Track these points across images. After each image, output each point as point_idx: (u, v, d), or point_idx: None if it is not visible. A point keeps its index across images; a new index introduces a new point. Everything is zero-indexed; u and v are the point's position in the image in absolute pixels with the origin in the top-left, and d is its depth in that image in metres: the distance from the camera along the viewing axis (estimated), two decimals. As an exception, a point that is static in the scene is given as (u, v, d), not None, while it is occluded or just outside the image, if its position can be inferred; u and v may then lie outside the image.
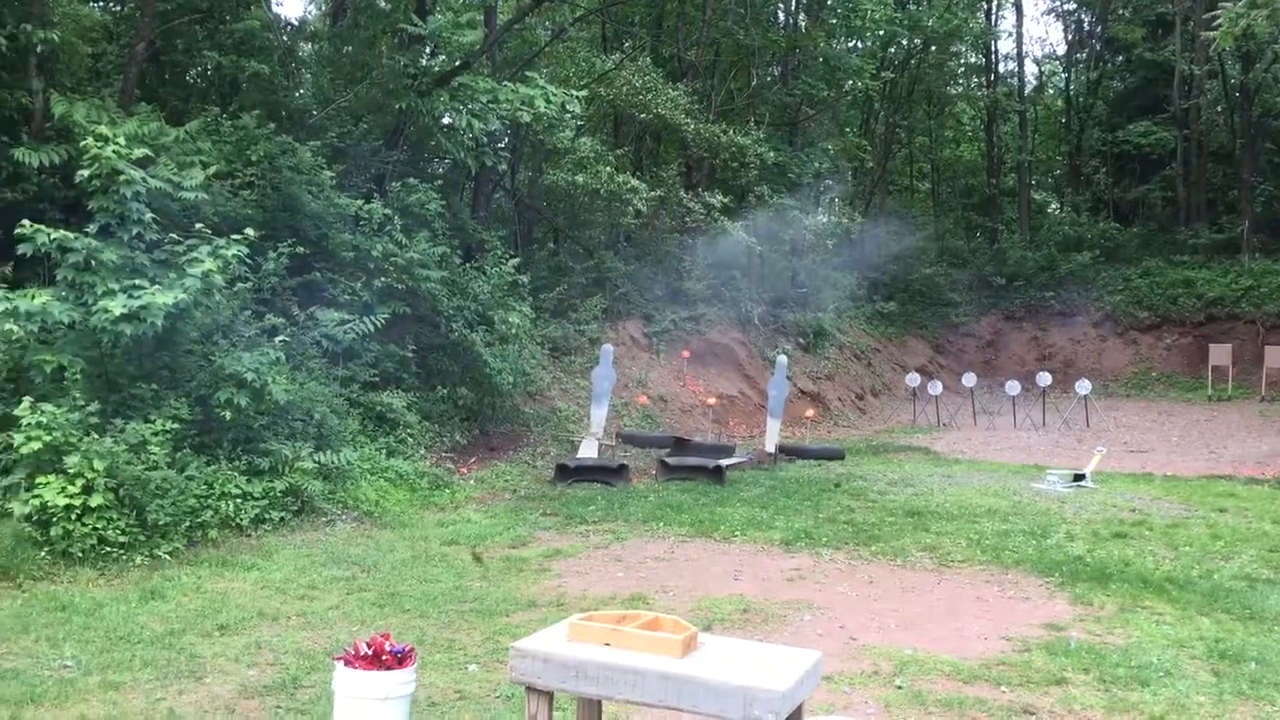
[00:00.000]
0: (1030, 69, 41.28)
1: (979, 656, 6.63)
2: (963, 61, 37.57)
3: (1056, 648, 6.79)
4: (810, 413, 21.30)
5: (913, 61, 33.08)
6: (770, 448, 16.21)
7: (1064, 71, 39.59)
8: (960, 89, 38.06)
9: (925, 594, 8.35)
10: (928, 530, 10.66)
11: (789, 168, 25.32)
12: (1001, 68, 39.76)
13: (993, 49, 37.80)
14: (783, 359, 17.80)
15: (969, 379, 24.20)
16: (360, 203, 14.00)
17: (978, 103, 37.61)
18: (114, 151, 9.91)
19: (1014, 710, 5.67)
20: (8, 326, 9.22)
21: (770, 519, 11.26)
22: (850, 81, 27.66)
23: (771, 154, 23.22)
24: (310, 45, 18.71)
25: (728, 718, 3.79)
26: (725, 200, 21.43)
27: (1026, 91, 38.75)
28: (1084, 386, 22.38)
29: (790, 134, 27.47)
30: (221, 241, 10.29)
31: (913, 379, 24.22)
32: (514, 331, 15.42)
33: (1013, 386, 23.22)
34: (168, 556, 8.69)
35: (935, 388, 23.30)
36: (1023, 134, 37.26)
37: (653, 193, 20.08)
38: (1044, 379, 23.27)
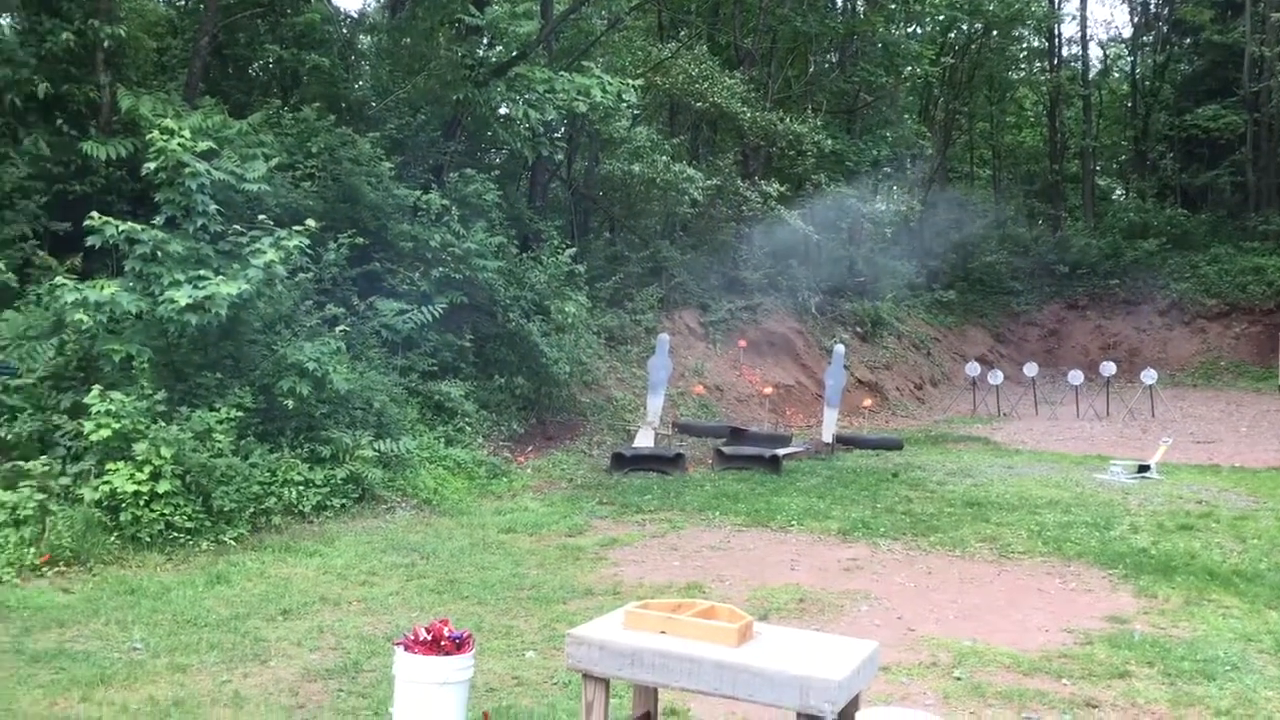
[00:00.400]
0: (1095, 52, 40.63)
1: (1040, 649, 6.55)
2: (1025, 46, 37.00)
3: (1120, 641, 6.69)
4: (868, 402, 21.15)
5: (973, 46, 32.63)
6: (827, 437, 16.12)
7: (1130, 55, 38.83)
8: (1022, 74, 37.49)
9: (985, 585, 8.26)
10: (987, 521, 10.54)
11: (847, 155, 25.12)
12: (1065, 51, 39.16)
13: (1056, 32, 37.19)
14: (840, 348, 17.69)
15: (1030, 368, 23.87)
16: (418, 193, 14.12)
17: (1040, 87, 37.03)
18: (179, 144, 10.09)
19: (1076, 703, 5.60)
20: (78, 316, 9.43)
21: (827, 509, 11.20)
22: (909, 67, 27.39)
23: (829, 142, 23.04)
24: (369, 37, 18.89)
25: (784, 707, 3.79)
26: (782, 189, 21.30)
27: (1091, 75, 38.08)
28: (1149, 376, 21.97)
29: (848, 121, 27.25)
30: (283, 232, 10.44)
31: (973, 368, 23.94)
32: (570, 321, 15.47)
33: (1075, 376, 22.85)
34: (232, 542, 8.86)
35: (995, 377, 23.01)
36: (1087, 119, 36.63)
37: (709, 182, 20.02)
38: (1108, 368, 22.89)
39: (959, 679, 5.95)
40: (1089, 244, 32.53)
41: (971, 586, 8.22)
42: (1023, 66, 37.74)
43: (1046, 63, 37.60)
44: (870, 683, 4.44)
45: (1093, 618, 7.29)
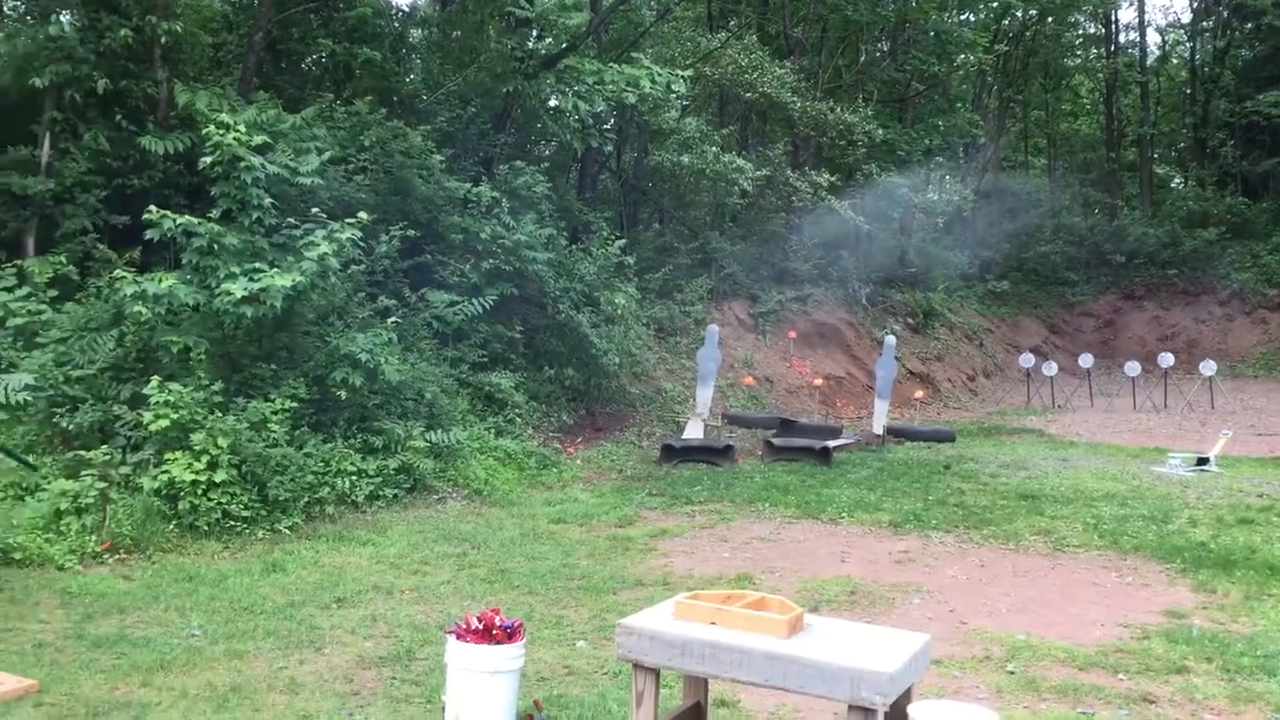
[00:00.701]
0: (1153, 38, 39.87)
1: (1095, 643, 6.47)
2: (1081, 32, 36.40)
3: (1177, 635, 6.58)
4: (919, 394, 20.98)
5: (1028, 33, 32.14)
6: (878, 429, 16.01)
7: (1189, 41, 38.04)
8: (1078, 60, 36.89)
9: (1039, 579, 8.17)
10: (1042, 514, 10.42)
11: (898, 145, 24.89)
12: (1122, 38, 38.42)
13: (1113, 18, 36.52)
14: (891, 339, 17.55)
15: (1086, 359, 23.54)
16: (469, 185, 14.20)
17: (1097, 74, 36.42)
18: (235, 139, 10.23)
19: (1132, 698, 5.53)
20: (137, 309, 9.61)
21: (878, 501, 11.14)
22: (962, 55, 27.03)
23: (880, 131, 22.83)
24: (420, 31, 19.02)
25: (834, 699, 3.78)
26: (832, 179, 21.15)
27: (1149, 62, 37.37)
28: (1209, 367, 21.57)
29: (899, 110, 26.99)
30: (336, 225, 10.55)
31: (1026, 359, 23.65)
32: (620, 312, 15.49)
33: (1132, 367, 22.48)
34: (287, 531, 8.98)
35: (1050, 369, 22.71)
36: (1144, 106, 35.97)
37: (758, 172, 19.93)
38: (1166, 359, 22.51)
39: (1012, 673, 5.89)
40: (1146, 233, 31.96)
41: (1025, 580, 8.13)
42: (1079, 53, 37.11)
43: (1103, 49, 36.95)
44: (922, 676, 4.41)
45: (1150, 612, 7.19)
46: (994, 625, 6.86)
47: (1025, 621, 6.96)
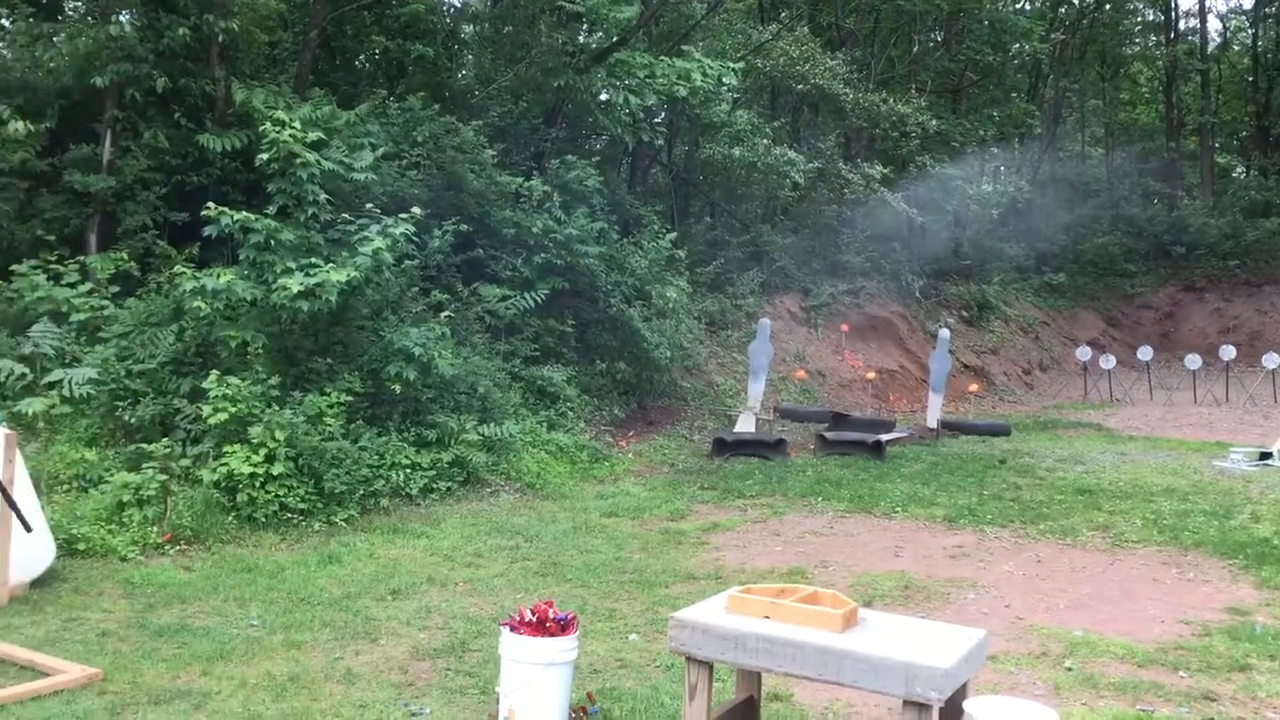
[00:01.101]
0: (1213, 25, 39.00)
1: (1155, 640, 6.37)
2: (1139, 19, 35.73)
3: (1240, 633, 6.46)
4: (974, 387, 20.76)
5: (1085, 21, 31.61)
6: (932, 423, 15.87)
7: (1251, 27, 37.21)
8: (1137, 48, 36.21)
9: (1097, 574, 8.05)
10: (1100, 509, 10.27)
11: (952, 136, 24.60)
12: (1181, 25, 37.68)
13: (1172, 5, 35.82)
14: (945, 332, 17.38)
15: (1145, 352, 23.15)
16: (520, 180, 14.26)
17: (1156, 62, 35.72)
18: (290, 135, 10.37)
19: (1193, 696, 5.43)
20: (196, 304, 9.77)
21: (932, 495, 11.04)
22: (1017, 45, 26.65)
23: (933, 122, 22.58)
24: (472, 26, 19.11)
25: (889, 694, 3.75)
26: (885, 171, 20.97)
27: (1209, 49, 36.61)
28: (1272, 360, 21.11)
29: (953, 101, 26.68)
30: (390, 220, 10.65)
31: (1084, 353, 23.30)
32: (671, 306, 15.48)
33: (1193, 360, 22.07)
34: (343, 523, 9.09)
35: (1108, 362, 22.36)
36: (1205, 94, 35.26)
37: (810, 165, 19.81)
38: (1228, 352, 22.07)
39: (1070, 670, 5.81)
40: (1207, 224, 31.33)
41: (1083, 576, 8.02)
42: (1137, 41, 36.43)
43: (1162, 37, 36.25)
44: (978, 672, 4.36)
45: (1211, 609, 7.06)
46: (1051, 621, 6.78)
47: (1083, 618, 6.86)
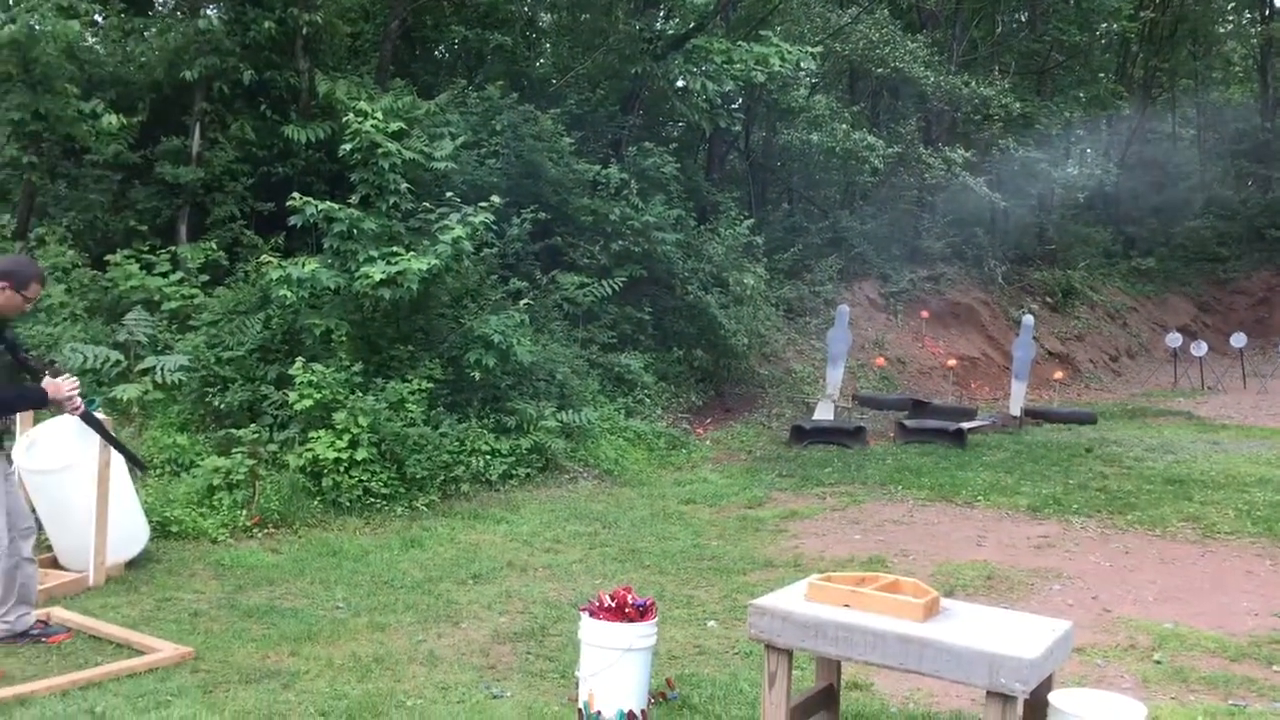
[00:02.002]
0: (1312, -1, 37.58)
1: (1248, 633, 6.19)
2: (1233, -4, 34.61)
3: (1339, 629, 6.26)
4: (1059, 375, 20.34)
5: (1176, -2, 30.72)
6: (1015, 411, 15.60)
7: (1352, 0, 35.83)
8: (1230, 26, 35.07)
9: (1187, 566, 7.86)
10: (1190, 499, 10.01)
11: (1036, 118, 24.06)
12: (1278, 1, 36.37)
13: (1268, -20, 34.64)
14: (1029, 319, 17.05)
15: (1238, 339, 22.45)
16: (598, 168, 14.29)
17: (1250, 40, 34.56)
18: (372, 126, 10.51)
19: (1288, 693, 5.28)
20: (282, 292, 9.97)
21: (1015, 484, 10.85)
22: (1105, 24, 25.98)
23: (1017, 104, 22.11)
24: (549, 15, 19.19)
25: (972, 685, 3.71)
26: (967, 154, 20.59)
27: (1308, 25, 35.31)
28: (1373, 347, 20.38)
29: (1038, 83, 26.11)
30: (470, 209, 10.75)
31: (1174, 339, 22.69)
32: (748, 293, 15.41)
33: (1289, 347, 21.41)
34: (424, 508, 9.23)
35: (1199, 348, 21.75)
36: (1302, 72, 34.03)
37: (890, 149, 19.54)
38: (1325, 339, 21.35)
39: (1159, 663, 5.68)
40: (1306, 205, 30.33)
41: (1172, 567, 7.83)
42: (1230, 19, 35.28)
43: (1257, 14, 35.06)
44: (1064, 664, 4.29)
45: (1309, 604, 6.85)
46: (1139, 613, 6.63)
47: (1173, 610, 6.70)
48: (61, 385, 5.60)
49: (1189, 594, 7.11)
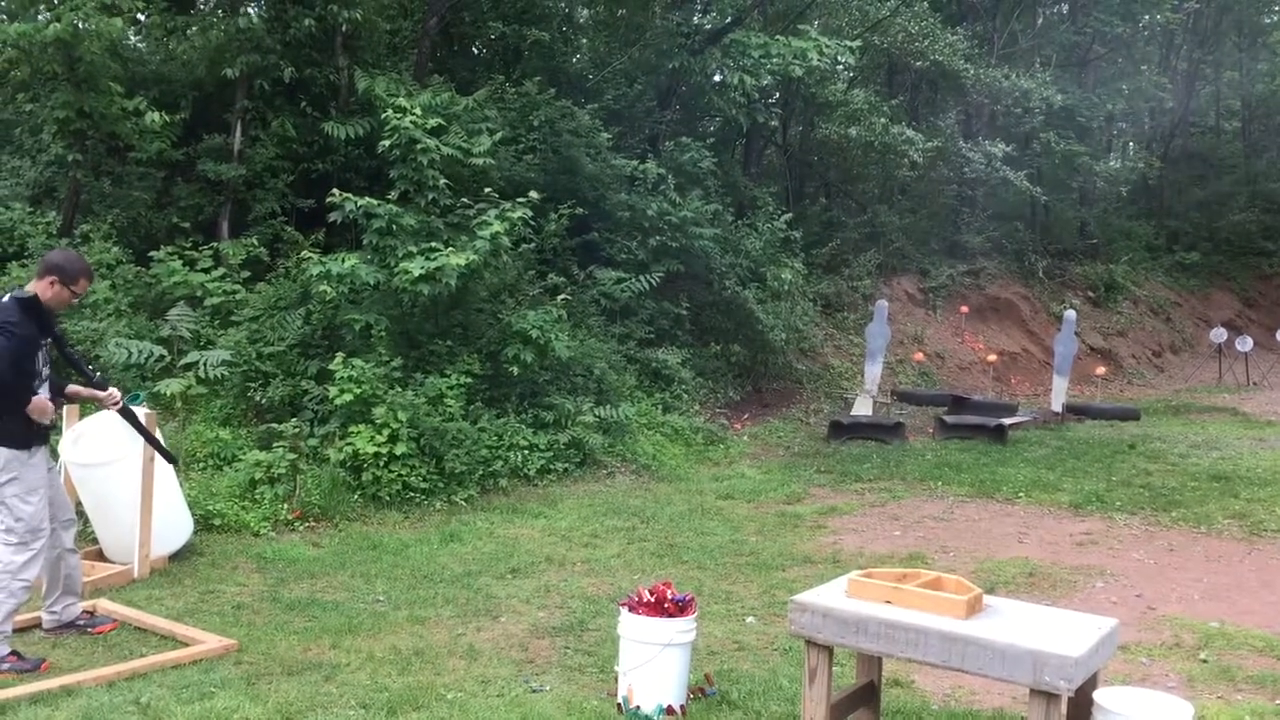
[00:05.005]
0: (1362, -12, 36.86)
1: (1297, 634, 6.10)
2: (1280, -15, 33.99)
3: (1390, 629, 6.15)
4: (1101, 370, 20.12)
5: (1221, -11, 30.21)
6: (1056, 406, 15.45)
7: (1404, -11, 35.11)
8: (1276, 17, 34.44)
9: (1233, 564, 7.74)
10: (1236, 496, 9.87)
11: (1078, 111, 23.79)
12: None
13: (1316, -31, 34.00)
14: (1070, 314, 16.87)
15: (1284, 334, 22.12)
16: (635, 163, 14.28)
17: (1298, 30, 33.94)
18: (411, 122, 10.57)
19: (1339, 694, 5.19)
20: (322, 288, 10.05)
21: (1057, 480, 10.75)
22: (1147, 15, 25.62)
23: (1059, 97, 21.86)
24: (587, 10, 19.18)
25: (1015, 682, 3.67)
26: (1007, 148, 20.41)
27: (1357, 14, 34.65)
28: None
29: (1079, 75, 25.80)
30: (508, 204, 10.77)
31: (1218, 334, 22.35)
32: (786, 288, 15.35)
33: (1337, 342, 21.04)
34: (463, 503, 9.26)
35: (1245, 344, 21.41)
36: (1352, 62, 33.36)
37: (929, 143, 19.38)
38: (1375, 334, 20.96)
39: (1205, 661, 5.61)
40: (1353, 199, 29.75)
41: (1218, 565, 7.72)
42: (1277, 9, 34.65)
43: (1306, 2, 34.46)
44: (1108, 662, 4.24)
45: (1359, 603, 6.73)
46: (1185, 611, 6.55)
47: (1219, 608, 6.61)
48: (49, 407, 5.36)
49: (1235, 592, 7.01)
